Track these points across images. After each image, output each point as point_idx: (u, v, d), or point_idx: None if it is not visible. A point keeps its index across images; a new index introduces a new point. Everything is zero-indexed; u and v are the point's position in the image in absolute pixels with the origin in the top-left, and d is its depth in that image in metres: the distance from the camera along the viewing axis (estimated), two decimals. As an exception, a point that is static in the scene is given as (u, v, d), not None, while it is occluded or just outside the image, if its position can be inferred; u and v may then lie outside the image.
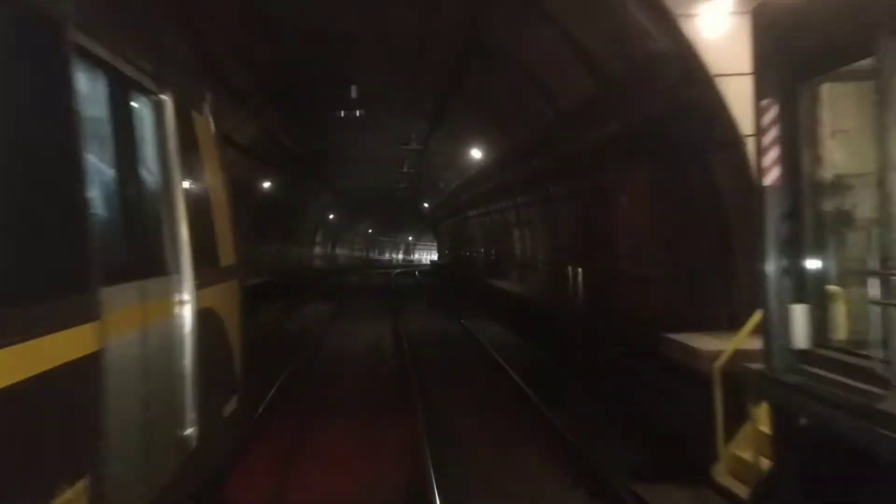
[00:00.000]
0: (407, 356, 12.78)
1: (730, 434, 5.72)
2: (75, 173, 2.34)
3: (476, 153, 19.57)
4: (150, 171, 3.57)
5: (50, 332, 2.03)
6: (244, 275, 5.66)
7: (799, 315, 3.68)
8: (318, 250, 43.31)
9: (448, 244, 43.20)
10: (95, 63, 2.81)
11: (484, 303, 21.69)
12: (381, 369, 12.27)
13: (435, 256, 57.08)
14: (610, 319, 11.05)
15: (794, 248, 3.76)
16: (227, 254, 4.93)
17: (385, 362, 12.88)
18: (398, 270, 49.98)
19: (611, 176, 11.60)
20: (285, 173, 24.47)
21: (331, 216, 42.57)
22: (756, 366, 4.06)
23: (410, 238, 72.31)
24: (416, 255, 74.43)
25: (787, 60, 3.72)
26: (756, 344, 4.44)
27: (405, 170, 28.75)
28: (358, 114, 17.04)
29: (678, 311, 9.28)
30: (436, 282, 37.32)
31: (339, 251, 51.14)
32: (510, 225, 21.04)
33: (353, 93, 17.05)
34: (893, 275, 3.02)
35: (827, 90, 3.74)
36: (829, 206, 3.76)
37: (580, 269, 11.82)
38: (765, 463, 4.74)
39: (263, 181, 23.01)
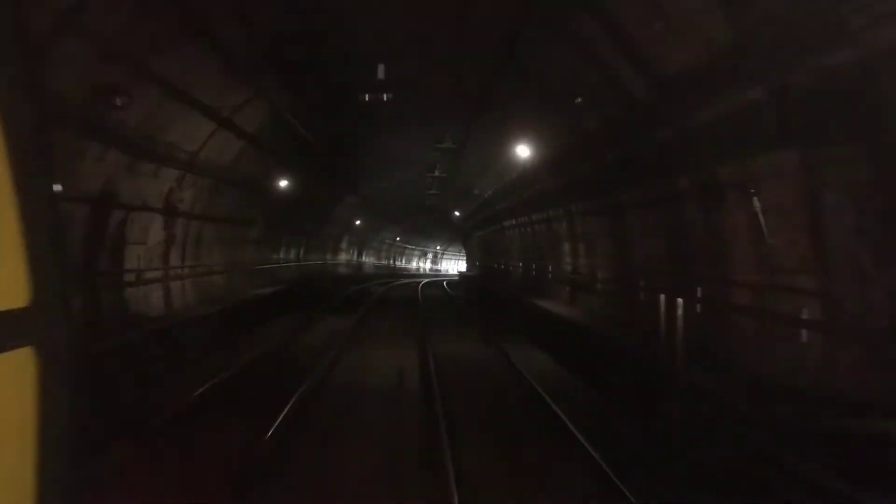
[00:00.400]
0: (437, 404, 9.18)
1: None
2: None
3: (522, 151, 15.86)
4: None
5: None
6: (74, 327, 2.18)
7: None
8: (343, 257, 40.31)
9: (478, 256, 39.87)
10: None
11: (522, 322, 17.90)
12: (403, 430, 8.62)
13: (463, 267, 55.01)
14: (737, 384, 7.41)
15: None
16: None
17: (409, 421, 9.23)
18: (425, 281, 45.27)
19: (731, 170, 7.95)
20: (305, 172, 21.17)
21: (357, 222, 39.52)
22: None
23: (438, 247, 68.95)
24: (444, 265, 71.09)
25: None
26: None
27: (436, 174, 25.28)
28: (385, 98, 13.58)
29: (874, 377, 5.62)
30: (465, 294, 33.25)
31: (365, 259, 47.89)
32: (559, 237, 17.33)
33: (381, 73, 13.57)
34: None
35: None
36: None
37: (680, 300, 8.12)
38: None
39: (278, 179, 19.71)
